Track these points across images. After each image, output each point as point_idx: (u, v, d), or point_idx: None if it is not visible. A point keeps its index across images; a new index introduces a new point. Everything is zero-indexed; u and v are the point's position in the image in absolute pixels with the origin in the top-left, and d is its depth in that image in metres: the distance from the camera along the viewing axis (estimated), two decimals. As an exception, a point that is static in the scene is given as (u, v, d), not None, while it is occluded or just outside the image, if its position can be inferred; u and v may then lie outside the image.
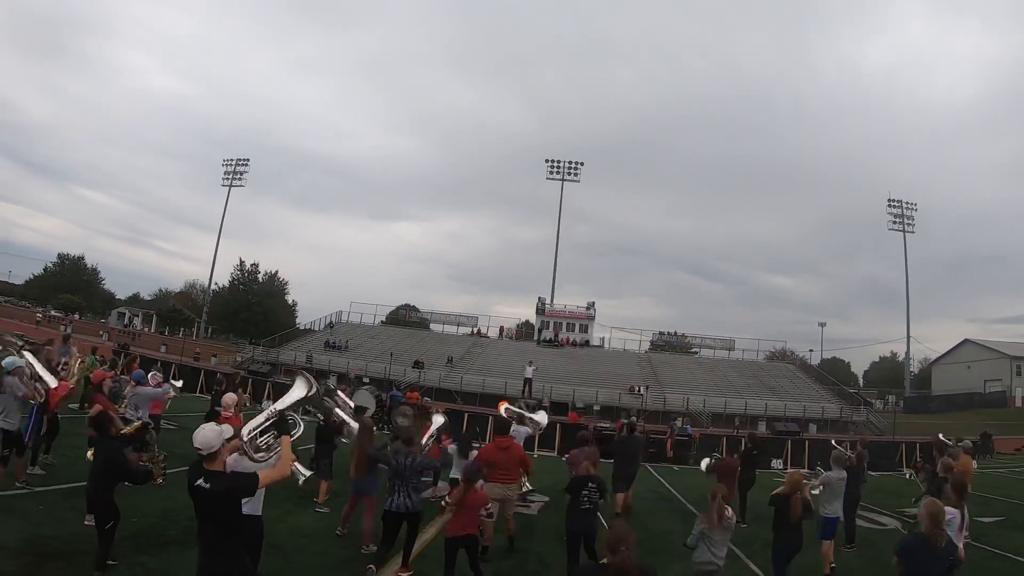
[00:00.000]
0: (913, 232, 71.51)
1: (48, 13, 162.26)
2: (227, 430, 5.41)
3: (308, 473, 11.72)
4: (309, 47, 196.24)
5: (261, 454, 10.60)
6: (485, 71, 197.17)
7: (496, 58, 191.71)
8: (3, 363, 11.03)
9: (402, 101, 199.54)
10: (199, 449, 5.05)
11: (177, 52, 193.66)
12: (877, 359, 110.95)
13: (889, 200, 71.79)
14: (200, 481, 4.92)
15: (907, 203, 71.42)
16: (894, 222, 71.41)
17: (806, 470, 16.02)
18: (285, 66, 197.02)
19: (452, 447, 12.52)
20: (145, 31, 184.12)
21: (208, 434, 5.12)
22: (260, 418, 10.69)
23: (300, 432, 11.31)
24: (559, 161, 79.02)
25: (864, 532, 14.41)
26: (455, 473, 12.19)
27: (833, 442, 14.43)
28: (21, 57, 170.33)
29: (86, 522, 7.49)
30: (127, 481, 7.46)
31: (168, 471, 8.23)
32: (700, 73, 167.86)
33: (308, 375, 10.64)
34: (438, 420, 13.31)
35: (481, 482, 9.66)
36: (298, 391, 10.62)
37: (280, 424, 5.47)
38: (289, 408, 11.05)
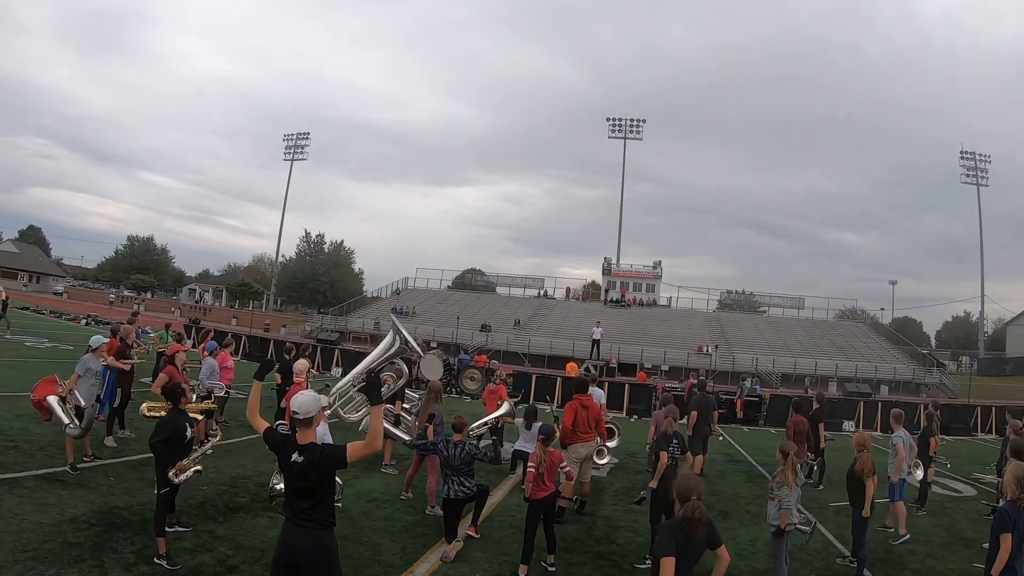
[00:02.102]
0: (987, 186, 68.68)
1: (96, 8, 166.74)
2: (323, 398, 5.33)
3: (408, 438, 11.87)
4: (356, 20, 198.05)
5: (352, 415, 10.71)
6: (536, 32, 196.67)
7: (546, 18, 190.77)
8: (91, 341, 11.36)
9: (454, 67, 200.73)
10: (296, 413, 4.97)
11: (226, 35, 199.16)
12: (950, 319, 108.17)
13: (962, 152, 68.85)
14: (295, 455, 4.86)
15: (980, 155, 68.47)
16: (967, 175, 68.57)
17: (877, 432, 15.66)
18: (335, 41, 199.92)
19: (518, 421, 12.47)
20: (193, 17, 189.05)
21: (306, 399, 5.04)
22: (347, 379, 10.76)
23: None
24: (620, 119, 78.09)
25: (939, 498, 14.09)
26: (520, 445, 12.18)
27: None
28: (75, 53, 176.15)
29: (155, 492, 7.58)
30: (178, 456, 7.50)
31: (232, 440, 8.23)
32: (754, 25, 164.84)
33: (397, 325, 10.69)
34: (504, 407, 13.30)
35: (558, 443, 9.62)
36: (383, 345, 10.72)
37: (371, 390, 5.31)
38: (377, 366, 11.16)
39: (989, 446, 24.45)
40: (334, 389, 11.00)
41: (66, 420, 9.83)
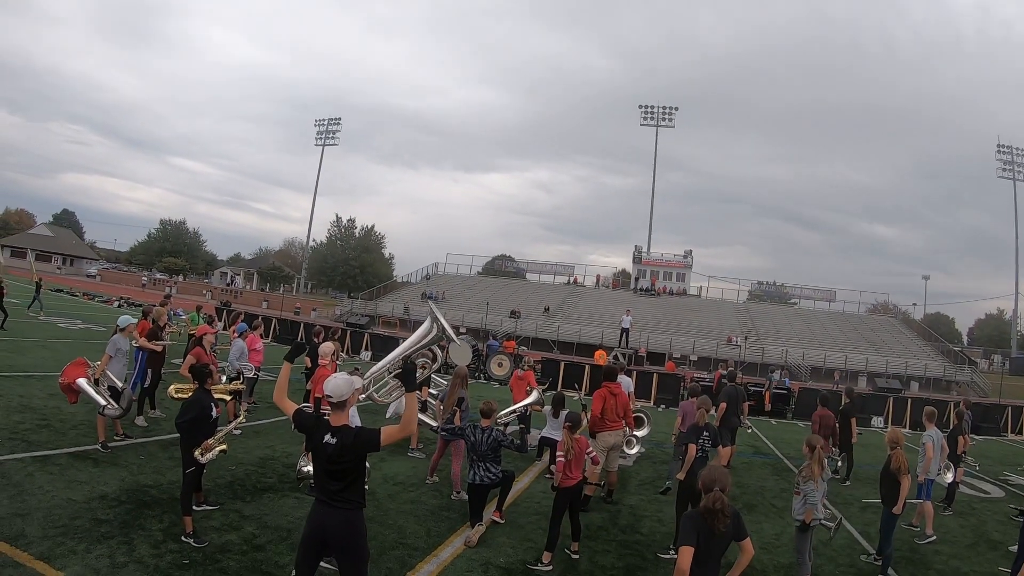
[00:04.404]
0: (1024, 180, 67.63)
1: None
2: (357, 381, 5.36)
3: (435, 423, 11.94)
4: (386, 7, 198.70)
5: (385, 399, 10.73)
6: (566, 18, 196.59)
7: (576, 4, 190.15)
8: (118, 321, 11.49)
9: (484, 53, 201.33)
10: (329, 397, 5.00)
11: (256, 23, 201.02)
12: (983, 316, 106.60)
13: (998, 145, 67.49)
14: (328, 437, 4.90)
15: (1018, 149, 67.09)
16: (1003, 169, 67.13)
17: (906, 430, 15.52)
18: (365, 27, 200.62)
19: (546, 408, 12.49)
20: (224, 6, 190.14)
21: (340, 382, 5.07)
22: (383, 364, 10.81)
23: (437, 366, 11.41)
24: (653, 107, 77.68)
25: (967, 499, 13.96)
26: (547, 432, 12.18)
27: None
28: (108, 41, 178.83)
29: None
30: (204, 436, 7.58)
31: (261, 421, 8.26)
32: (784, 12, 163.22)
33: (435, 313, 10.72)
34: (533, 395, 13.35)
35: (586, 429, 9.63)
36: (420, 332, 10.73)
37: (407, 377, 5.35)
38: (413, 353, 11.20)
39: (1019, 447, 24.19)
40: (368, 373, 11.06)
41: (102, 402, 9.99)
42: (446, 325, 10.60)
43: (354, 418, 8.21)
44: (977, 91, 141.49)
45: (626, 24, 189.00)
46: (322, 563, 5.10)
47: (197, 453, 7.36)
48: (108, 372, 10.59)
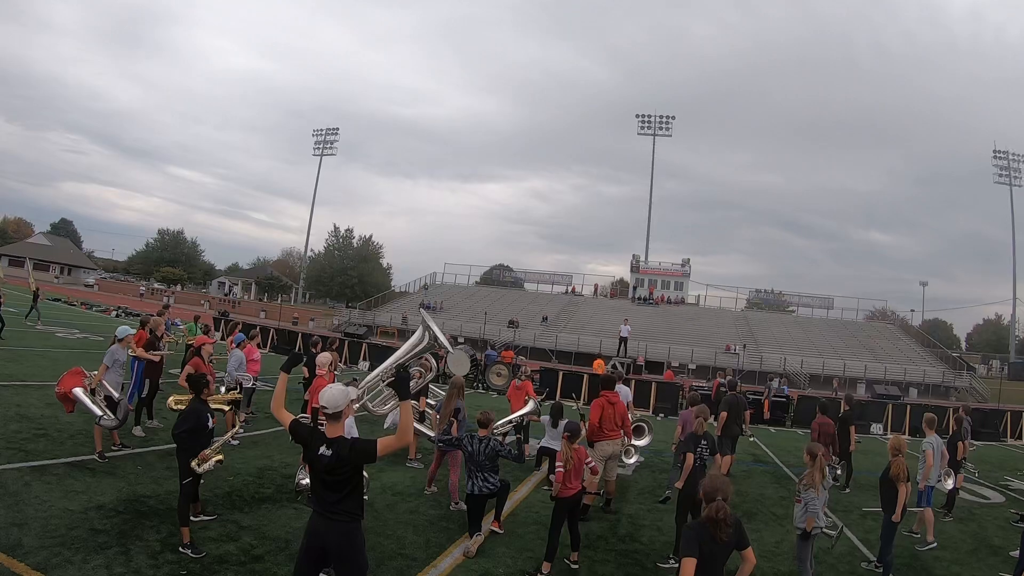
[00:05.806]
0: (1020, 186, 67.44)
1: (127, 7, 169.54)
2: (352, 391, 5.33)
3: (432, 433, 11.92)
4: (383, 16, 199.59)
5: (380, 409, 10.72)
6: (562, 28, 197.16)
7: (571, 14, 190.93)
8: (117, 332, 11.48)
9: (479, 63, 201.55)
10: (324, 408, 4.98)
11: (253, 32, 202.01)
12: (981, 321, 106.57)
13: (995, 151, 67.88)
14: (323, 449, 4.87)
15: (1014, 154, 67.44)
16: (1000, 175, 67.52)
17: (906, 436, 15.51)
18: (363, 36, 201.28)
19: (544, 418, 12.46)
20: (221, 15, 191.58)
21: (335, 393, 5.04)
22: (376, 373, 10.82)
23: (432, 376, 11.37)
24: (650, 115, 77.90)
25: (967, 505, 13.92)
26: (546, 442, 12.16)
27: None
28: (105, 50, 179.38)
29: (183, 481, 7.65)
30: (201, 446, 7.55)
31: (259, 431, 8.23)
32: (776, 19, 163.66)
33: (427, 321, 10.70)
34: (529, 405, 13.33)
35: (584, 439, 9.62)
36: (412, 341, 10.73)
37: (400, 386, 5.32)
38: (406, 361, 11.18)
39: (1019, 452, 24.17)
40: (363, 383, 11.05)
41: (98, 412, 9.95)
42: (438, 333, 10.62)
43: (352, 429, 8.18)
44: (972, 96, 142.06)
45: (623, 33, 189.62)
46: (321, 574, 5.06)
47: (194, 464, 7.33)
48: (105, 382, 10.56)
